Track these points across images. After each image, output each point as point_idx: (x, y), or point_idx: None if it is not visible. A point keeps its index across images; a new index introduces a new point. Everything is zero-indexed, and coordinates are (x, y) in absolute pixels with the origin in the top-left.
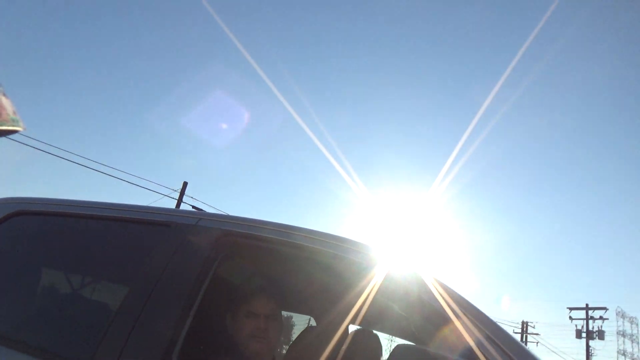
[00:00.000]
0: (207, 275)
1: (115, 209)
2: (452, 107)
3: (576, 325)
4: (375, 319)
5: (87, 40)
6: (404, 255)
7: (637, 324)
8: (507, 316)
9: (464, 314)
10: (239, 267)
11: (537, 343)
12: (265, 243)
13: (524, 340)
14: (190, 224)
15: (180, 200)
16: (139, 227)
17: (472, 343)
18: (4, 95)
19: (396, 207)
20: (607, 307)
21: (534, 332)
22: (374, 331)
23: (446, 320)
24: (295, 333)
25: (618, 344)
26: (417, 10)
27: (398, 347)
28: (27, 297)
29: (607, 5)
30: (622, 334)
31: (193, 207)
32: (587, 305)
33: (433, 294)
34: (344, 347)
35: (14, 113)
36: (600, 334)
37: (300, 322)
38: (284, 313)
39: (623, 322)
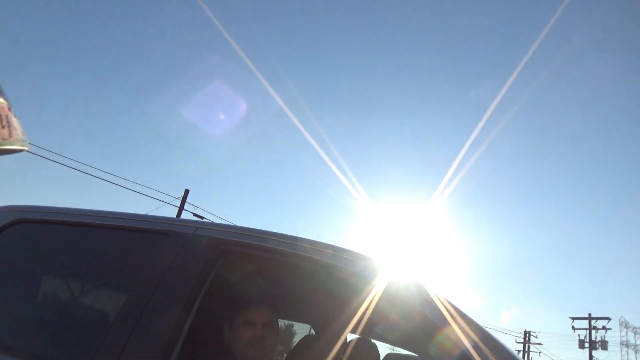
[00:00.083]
0: (205, 283)
1: (114, 217)
2: (455, 115)
3: (579, 335)
4: (373, 328)
5: (81, 39)
6: (404, 266)
7: None
8: (509, 326)
9: (462, 326)
10: (236, 276)
11: (539, 353)
12: (263, 252)
13: (526, 350)
14: (187, 233)
15: (181, 208)
16: (137, 235)
17: (466, 354)
18: (14, 115)
19: (397, 215)
20: (610, 317)
21: (537, 341)
22: (373, 340)
23: (443, 331)
24: (296, 342)
25: (621, 355)
26: (423, 14)
27: (388, 356)
28: (27, 304)
29: (617, 7)
30: (626, 344)
31: (194, 214)
32: (589, 315)
33: (432, 306)
34: (342, 356)
35: (23, 133)
36: (603, 344)
37: (301, 331)
38: (285, 322)
39: (626, 333)
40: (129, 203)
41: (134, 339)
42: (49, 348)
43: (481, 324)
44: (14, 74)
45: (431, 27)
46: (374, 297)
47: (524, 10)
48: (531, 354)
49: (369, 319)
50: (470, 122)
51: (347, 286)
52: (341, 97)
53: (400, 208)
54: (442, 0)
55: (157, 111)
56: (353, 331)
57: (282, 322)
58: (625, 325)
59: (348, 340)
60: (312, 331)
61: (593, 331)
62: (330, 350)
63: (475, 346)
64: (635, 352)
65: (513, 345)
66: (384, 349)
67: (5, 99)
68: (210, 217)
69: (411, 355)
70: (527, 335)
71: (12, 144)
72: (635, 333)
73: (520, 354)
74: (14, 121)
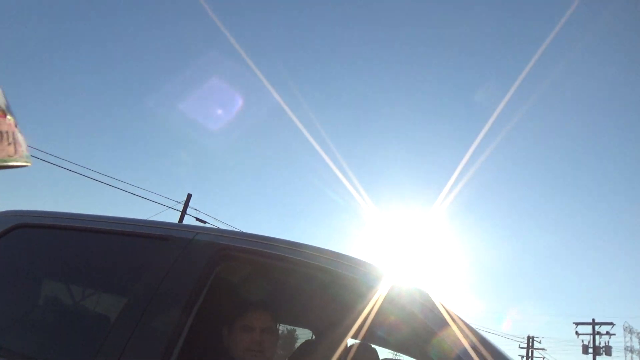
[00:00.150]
0: (204, 288)
1: (114, 222)
2: (459, 119)
3: (583, 341)
4: (374, 334)
5: (81, 39)
6: (405, 272)
7: None
8: (512, 331)
9: (461, 333)
10: (236, 280)
11: (543, 358)
12: (262, 257)
13: (529, 355)
14: (187, 238)
15: (184, 213)
16: (137, 240)
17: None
18: (20, 132)
19: (399, 219)
20: (614, 323)
21: (540, 347)
22: (373, 346)
23: (442, 337)
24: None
25: None
26: (426, 14)
27: None
28: (28, 308)
29: (628, 8)
30: (630, 349)
31: (197, 219)
32: (593, 320)
33: (432, 312)
34: None
35: (27, 149)
36: (608, 350)
37: (303, 336)
38: (288, 327)
39: (631, 338)
40: (131, 208)
41: (132, 343)
42: (49, 351)
43: (484, 329)
44: (11, 74)
45: (437, 29)
46: (374, 302)
47: (529, 13)
48: (534, 359)
49: (370, 324)
50: (474, 126)
51: (347, 292)
52: (342, 98)
53: (403, 211)
54: (447, 2)
55: (158, 111)
56: (354, 337)
57: (284, 328)
58: (629, 330)
59: (348, 345)
60: (313, 336)
61: (597, 336)
62: (330, 356)
63: (474, 353)
64: None
65: (516, 350)
66: (384, 354)
67: (12, 115)
68: (212, 222)
69: None
70: (531, 340)
71: (17, 161)
72: (639, 338)
73: None
74: (20, 138)
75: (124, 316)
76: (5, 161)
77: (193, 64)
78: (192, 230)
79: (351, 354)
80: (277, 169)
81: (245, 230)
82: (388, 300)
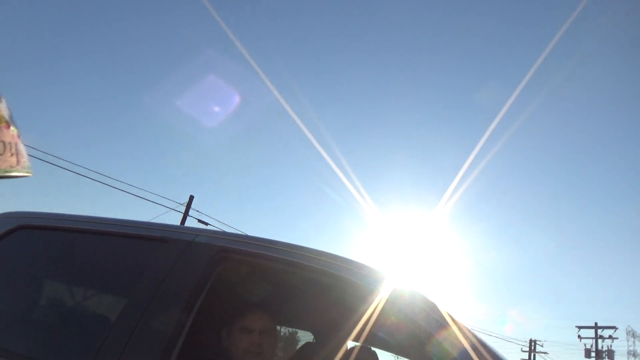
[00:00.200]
0: (203, 290)
1: (115, 224)
2: (462, 121)
3: (585, 345)
4: (374, 337)
5: (80, 39)
6: (406, 275)
7: None
8: (514, 334)
9: (460, 336)
10: (235, 282)
11: None
12: (262, 260)
13: (532, 359)
14: (187, 240)
15: (186, 215)
16: (137, 242)
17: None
18: (22, 142)
19: (400, 221)
20: (617, 326)
21: (542, 350)
22: (373, 349)
23: (442, 340)
24: None
25: None
26: (430, 14)
27: None
28: (30, 309)
29: (635, 10)
30: (633, 354)
31: (199, 220)
32: (596, 324)
33: (432, 316)
34: None
35: (28, 160)
36: (610, 354)
37: (305, 338)
38: (289, 329)
39: (634, 342)
40: (133, 209)
41: (132, 344)
42: (50, 352)
43: (486, 332)
44: (11, 74)
45: (439, 29)
46: (375, 306)
47: (534, 14)
48: None
49: (370, 327)
50: (478, 128)
51: (347, 295)
52: (345, 99)
53: (405, 213)
54: (450, 3)
55: (159, 112)
56: (354, 339)
57: (285, 330)
58: (632, 334)
59: (349, 348)
60: (314, 339)
61: (599, 340)
62: (331, 358)
63: (473, 355)
64: None
65: (518, 354)
66: (385, 357)
67: (16, 127)
68: (214, 224)
69: None
70: (533, 344)
71: (19, 171)
72: None
73: None
74: (22, 149)
75: (124, 317)
76: (8, 172)
77: (193, 62)
78: (192, 233)
79: (352, 357)
80: (279, 170)
81: (246, 232)
82: (389, 303)
